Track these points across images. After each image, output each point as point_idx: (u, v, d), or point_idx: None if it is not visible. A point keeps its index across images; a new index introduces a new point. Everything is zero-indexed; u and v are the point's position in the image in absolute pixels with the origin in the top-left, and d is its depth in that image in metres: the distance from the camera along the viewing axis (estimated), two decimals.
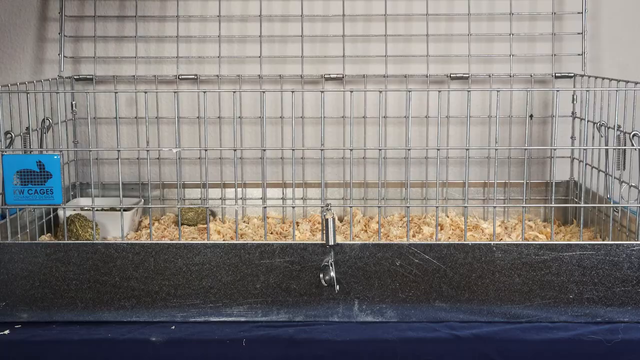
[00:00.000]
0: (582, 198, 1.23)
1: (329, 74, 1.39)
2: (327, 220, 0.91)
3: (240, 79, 1.40)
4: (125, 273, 0.93)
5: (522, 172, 1.30)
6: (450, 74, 1.38)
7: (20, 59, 1.43)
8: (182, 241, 0.99)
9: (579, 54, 1.40)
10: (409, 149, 1.01)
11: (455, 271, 0.93)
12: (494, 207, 1.03)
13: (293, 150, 1.01)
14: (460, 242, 0.97)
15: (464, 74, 1.37)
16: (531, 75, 1.39)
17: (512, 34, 1.40)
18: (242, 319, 0.94)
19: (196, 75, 1.40)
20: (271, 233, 1.24)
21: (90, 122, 0.99)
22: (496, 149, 0.98)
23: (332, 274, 0.91)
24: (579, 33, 1.41)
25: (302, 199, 1.36)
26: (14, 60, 1.43)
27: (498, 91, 1.01)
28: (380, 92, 1.01)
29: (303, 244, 0.93)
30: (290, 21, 1.44)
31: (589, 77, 1.34)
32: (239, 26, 1.44)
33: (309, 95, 1.41)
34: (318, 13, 1.43)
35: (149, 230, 1.13)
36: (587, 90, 0.98)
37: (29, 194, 0.99)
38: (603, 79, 1.23)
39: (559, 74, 1.39)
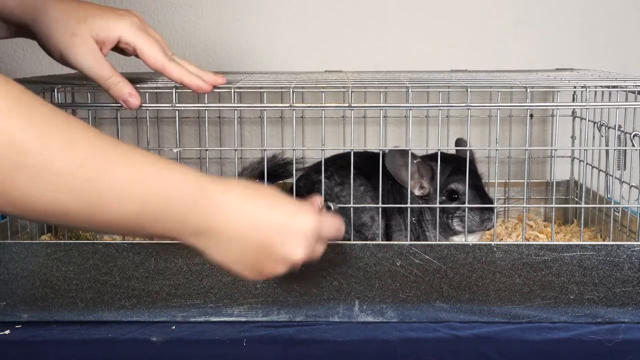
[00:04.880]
0: (583, 198, 1.23)
1: (329, 70, 1.39)
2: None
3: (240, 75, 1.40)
4: (125, 273, 0.93)
5: (522, 172, 1.30)
6: (451, 70, 1.38)
7: (20, 58, 1.43)
8: None
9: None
10: (409, 149, 1.00)
11: (455, 271, 0.93)
12: (494, 207, 1.03)
13: (294, 150, 1.01)
14: (460, 242, 0.97)
15: (465, 70, 1.37)
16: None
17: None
18: (243, 319, 0.94)
19: None
20: None
21: (91, 122, 0.99)
22: (497, 149, 0.98)
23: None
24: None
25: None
26: (14, 59, 1.43)
27: (499, 91, 1.01)
28: (381, 91, 1.01)
29: None
30: (290, 17, 1.44)
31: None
32: (238, 22, 1.44)
33: (309, 95, 1.41)
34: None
35: None
36: (587, 90, 0.98)
37: None
38: None
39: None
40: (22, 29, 0.88)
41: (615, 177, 1.06)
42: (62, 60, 0.86)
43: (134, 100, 0.87)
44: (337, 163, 1.08)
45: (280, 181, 1.24)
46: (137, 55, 0.90)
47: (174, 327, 0.92)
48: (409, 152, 1.00)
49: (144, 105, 0.91)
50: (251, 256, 0.72)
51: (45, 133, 0.59)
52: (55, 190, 0.60)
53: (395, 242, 0.96)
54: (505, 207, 1.29)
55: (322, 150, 0.98)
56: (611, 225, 1.02)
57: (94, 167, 0.62)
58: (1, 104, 0.56)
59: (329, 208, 0.94)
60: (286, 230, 0.73)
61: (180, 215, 0.68)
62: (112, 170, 0.63)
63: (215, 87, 0.92)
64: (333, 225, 0.78)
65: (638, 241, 0.97)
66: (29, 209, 0.61)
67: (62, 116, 0.61)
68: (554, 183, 1.05)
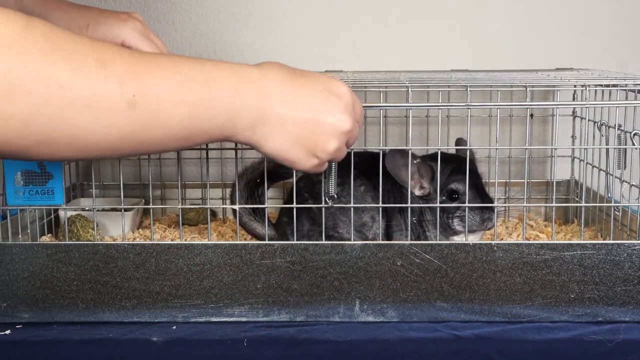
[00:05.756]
0: (583, 197, 1.23)
1: (329, 70, 1.39)
2: (330, 166, 0.91)
3: None
4: (126, 273, 0.93)
5: (522, 172, 1.29)
6: (451, 70, 1.38)
7: None
8: (183, 241, 0.99)
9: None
10: (409, 149, 1.00)
11: (456, 271, 0.93)
12: (495, 206, 1.03)
13: None
14: (461, 241, 0.97)
15: (465, 70, 1.37)
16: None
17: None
18: (243, 319, 0.94)
19: None
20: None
21: None
22: (497, 149, 0.98)
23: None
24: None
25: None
26: None
27: (499, 90, 1.01)
28: (381, 91, 1.01)
29: (304, 244, 0.93)
30: (290, 17, 1.44)
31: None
32: (238, 22, 1.44)
33: None
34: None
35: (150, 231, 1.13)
36: (587, 89, 0.98)
37: (30, 194, 0.99)
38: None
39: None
40: None
41: (616, 176, 1.06)
42: None
43: None
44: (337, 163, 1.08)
45: (281, 181, 1.23)
46: None
47: (174, 328, 0.92)
48: (409, 152, 1.00)
49: None
50: (304, 136, 0.74)
51: (77, 64, 0.59)
52: (106, 116, 0.61)
53: (396, 242, 0.96)
54: (505, 207, 1.29)
55: None
56: (611, 224, 1.02)
57: (133, 81, 0.62)
58: (32, 45, 0.56)
59: (328, 201, 0.94)
60: (329, 100, 0.75)
61: (232, 107, 0.69)
62: (152, 79, 0.63)
63: None
64: (359, 103, 0.81)
65: (638, 240, 0.97)
66: (90, 144, 0.61)
67: (87, 42, 0.61)
68: (554, 182, 1.05)
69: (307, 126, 0.74)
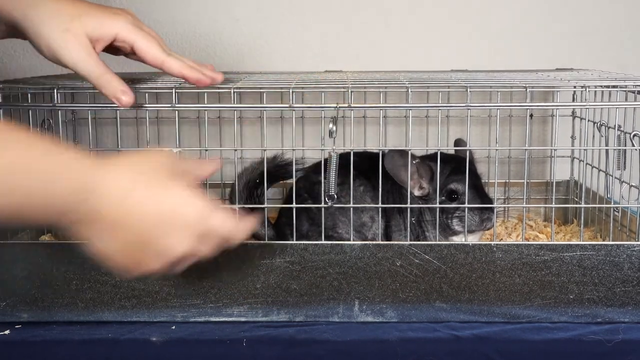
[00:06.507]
0: (583, 198, 1.23)
1: (329, 70, 1.39)
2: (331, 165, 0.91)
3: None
4: None
5: (522, 172, 1.29)
6: (451, 70, 1.38)
7: (20, 58, 1.43)
8: None
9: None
10: (409, 149, 1.00)
11: (455, 271, 0.93)
12: (494, 206, 1.03)
13: (293, 150, 1.01)
14: (460, 242, 0.97)
15: (465, 70, 1.38)
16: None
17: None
18: (243, 319, 0.94)
19: None
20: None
21: (91, 122, 0.99)
22: (497, 149, 0.98)
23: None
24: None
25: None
26: (14, 59, 1.42)
27: (498, 91, 1.01)
28: (381, 91, 1.01)
29: (303, 244, 0.93)
30: (290, 17, 1.44)
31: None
32: (238, 22, 1.44)
33: (309, 95, 1.41)
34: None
35: None
36: (587, 90, 0.98)
37: None
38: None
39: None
40: (13, 26, 0.86)
41: (615, 177, 1.06)
42: (53, 57, 0.84)
43: (127, 98, 0.85)
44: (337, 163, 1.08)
45: (280, 182, 1.23)
46: (133, 54, 0.89)
47: (173, 327, 0.92)
48: (409, 152, 1.00)
49: (144, 105, 0.91)
50: (132, 246, 0.70)
51: None
52: None
53: (395, 242, 0.96)
54: (505, 207, 1.29)
55: (322, 150, 0.98)
56: (611, 225, 1.02)
57: None
58: None
59: (328, 201, 0.94)
60: (168, 221, 0.70)
61: (66, 201, 0.66)
62: None
63: (214, 86, 0.91)
64: (227, 222, 0.74)
65: (638, 241, 0.97)
66: None
67: None
68: (554, 183, 1.05)
69: (137, 238, 0.70)
